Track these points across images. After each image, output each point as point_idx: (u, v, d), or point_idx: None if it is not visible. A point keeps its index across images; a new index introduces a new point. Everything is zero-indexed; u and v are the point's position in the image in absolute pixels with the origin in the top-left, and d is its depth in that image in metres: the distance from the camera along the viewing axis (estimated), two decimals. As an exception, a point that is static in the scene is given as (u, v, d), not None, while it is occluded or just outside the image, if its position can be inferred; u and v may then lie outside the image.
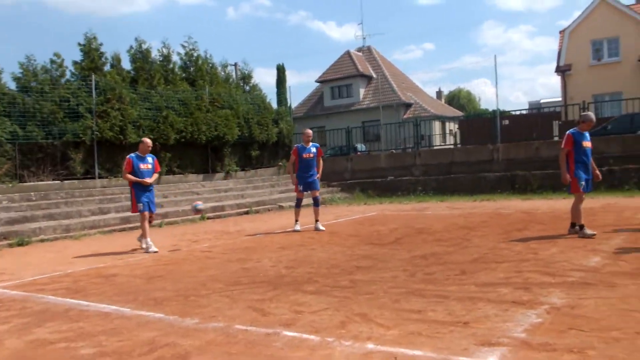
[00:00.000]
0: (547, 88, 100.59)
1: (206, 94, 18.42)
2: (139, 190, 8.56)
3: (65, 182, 13.93)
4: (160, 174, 16.17)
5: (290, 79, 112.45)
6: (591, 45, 27.27)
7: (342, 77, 36.62)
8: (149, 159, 8.80)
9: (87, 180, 14.44)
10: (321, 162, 9.99)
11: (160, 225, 12.44)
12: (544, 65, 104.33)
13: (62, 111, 14.21)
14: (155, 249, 8.43)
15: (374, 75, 36.72)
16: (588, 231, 7.24)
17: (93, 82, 14.86)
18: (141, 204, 8.52)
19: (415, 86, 40.78)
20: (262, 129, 20.06)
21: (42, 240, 10.47)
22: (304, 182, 9.80)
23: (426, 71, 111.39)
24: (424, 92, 40.96)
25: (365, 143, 27.49)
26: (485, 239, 7.70)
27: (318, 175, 10.01)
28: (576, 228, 7.43)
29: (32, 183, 13.37)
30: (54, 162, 14.09)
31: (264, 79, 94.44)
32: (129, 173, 8.53)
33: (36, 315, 4.70)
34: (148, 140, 8.77)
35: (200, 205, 9.28)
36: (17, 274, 6.96)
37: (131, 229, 11.92)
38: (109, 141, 14.79)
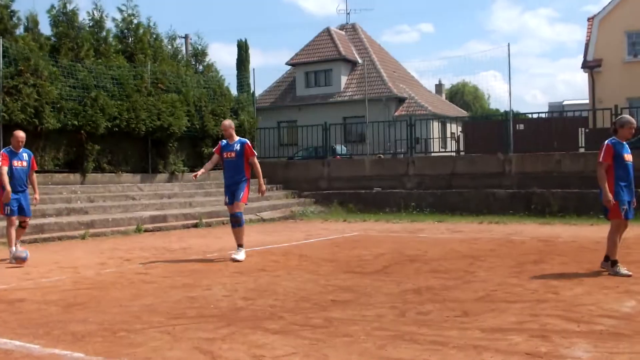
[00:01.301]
0: (571, 87, 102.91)
1: (147, 73, 18.27)
2: (13, 191, 9.10)
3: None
4: (85, 170, 15.92)
5: (255, 59, 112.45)
6: (626, 38, 27.97)
7: (319, 61, 36.77)
8: (24, 155, 9.49)
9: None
10: (257, 165, 9.30)
11: (83, 237, 12.23)
12: (568, 58, 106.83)
13: None
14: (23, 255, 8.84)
15: (359, 60, 36.93)
16: (622, 269, 7.32)
17: (0, 49, 14.56)
18: (9, 207, 9.10)
19: (410, 77, 41.16)
20: (217, 121, 19.95)
21: None
22: (228, 191, 9.30)
23: (423, 59, 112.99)
24: (420, 85, 41.36)
25: (347, 144, 27.57)
26: (493, 272, 7.73)
27: (262, 188, 9.69)
28: (608, 263, 7.50)
29: None
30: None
31: (222, 58, 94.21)
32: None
33: None
34: (21, 133, 9.43)
35: (22, 255, 8.83)
36: None
37: (46, 239, 11.66)
38: (20, 126, 14.41)
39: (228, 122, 9.34)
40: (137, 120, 17.08)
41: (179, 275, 7.81)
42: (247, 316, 5.46)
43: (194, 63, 22.30)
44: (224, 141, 9.35)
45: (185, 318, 5.42)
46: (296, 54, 38.05)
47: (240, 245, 9.13)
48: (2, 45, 14.60)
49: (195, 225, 14.87)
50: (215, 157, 9.47)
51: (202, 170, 9.39)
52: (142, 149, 18.01)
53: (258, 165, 9.39)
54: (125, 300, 6.21)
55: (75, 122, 15.62)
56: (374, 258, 9.19)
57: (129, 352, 4.39)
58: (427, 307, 5.70)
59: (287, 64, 38.82)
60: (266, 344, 4.56)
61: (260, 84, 64.81)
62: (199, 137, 19.60)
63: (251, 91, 24.36)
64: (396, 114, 33.85)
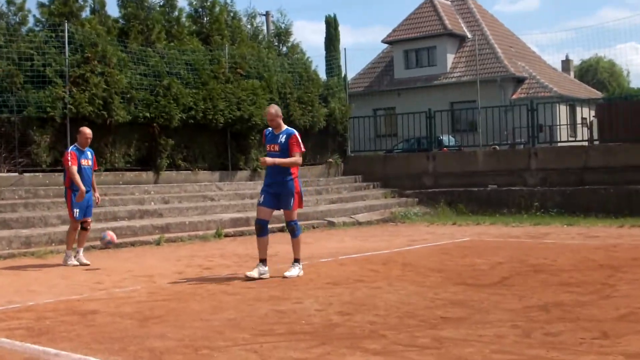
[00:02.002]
0: None
1: (225, 57, 18.70)
2: (77, 191, 9.86)
3: (26, 175, 14.41)
4: (159, 168, 16.50)
5: (345, 38, 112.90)
6: None
7: (421, 37, 36.47)
8: (89, 153, 10.31)
9: (56, 174, 14.83)
10: (296, 160, 8.74)
11: (158, 243, 12.67)
12: None
13: (22, 74, 14.70)
14: (76, 263, 9.98)
15: (469, 35, 36.40)
16: None
17: (66, 34, 15.30)
18: (77, 209, 9.97)
19: (530, 52, 40.19)
20: (304, 109, 20.19)
21: (-8, 257, 10.81)
22: (268, 191, 8.78)
23: (545, 31, 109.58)
24: (542, 62, 40.33)
25: (455, 134, 27.23)
26: (638, 285, 7.48)
27: (275, 161, 8.65)
28: None
29: (-21, 175, 13.87)
30: (10, 146, 14.59)
31: (308, 38, 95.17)
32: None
33: (-15, 364, 4.84)
34: (88, 130, 10.27)
35: (108, 237, 9.93)
36: (-41, 304, 7.19)
37: (118, 245, 12.16)
38: (87, 119, 15.16)
39: (274, 110, 8.84)
40: (214, 111, 17.51)
41: (264, 286, 7.94)
42: (344, 334, 5.48)
43: (276, 44, 22.64)
44: (269, 130, 9.01)
45: (273, 335, 5.50)
46: (393, 30, 37.90)
47: (296, 260, 8.74)
48: (68, 30, 15.35)
49: (282, 229, 15.01)
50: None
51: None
52: (221, 143, 18.45)
53: (296, 161, 8.71)
54: (206, 314, 6.38)
55: (147, 114, 16.21)
56: (490, 268, 9.05)
57: (212, 373, 4.52)
58: (557, 327, 5.55)
59: (383, 42, 38.74)
60: (366, 366, 4.58)
61: (352, 67, 65.22)
62: (284, 128, 19.82)
63: (342, 75, 24.45)
64: (514, 97, 33.09)
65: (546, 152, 19.26)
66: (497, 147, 22.14)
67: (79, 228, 10.22)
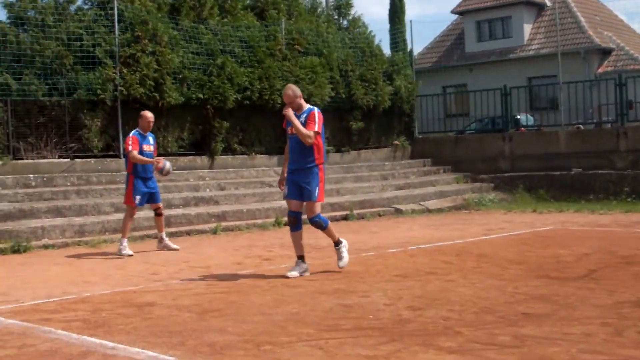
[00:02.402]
0: None
1: (282, 32, 18.78)
2: (140, 177, 10.41)
3: (77, 160, 14.85)
4: (214, 152, 16.74)
5: (411, 10, 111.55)
6: None
7: (495, 6, 35.84)
8: (150, 138, 10.73)
9: (108, 160, 15.25)
10: (313, 138, 8.14)
11: (214, 232, 12.91)
12: None
13: (71, 55, 15.07)
14: (131, 252, 10.30)
15: (548, 3, 35.62)
16: None
17: (115, 12, 15.64)
18: (139, 196, 10.39)
19: (618, 21, 39.13)
20: (367, 88, 20.17)
21: (45, 247, 11.22)
22: (291, 180, 8.31)
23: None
24: (632, 31, 39.25)
25: (534, 112, 26.77)
26: None
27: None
28: None
29: (30, 161, 14.37)
30: (61, 130, 15.03)
31: (371, 10, 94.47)
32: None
33: (42, 358, 5.01)
34: (150, 114, 10.68)
35: (167, 165, 10.38)
36: (12, 295, 7.48)
37: (173, 234, 12.41)
38: (139, 101, 15.48)
39: (291, 91, 8.25)
40: (271, 91, 17.62)
41: (328, 278, 8.02)
42: (415, 330, 5.49)
43: (336, 17, 22.60)
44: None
45: (339, 331, 5.55)
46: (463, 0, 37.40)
47: (337, 243, 8.40)
48: (117, 7, 15.67)
49: (345, 218, 15.15)
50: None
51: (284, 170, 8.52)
52: (278, 125, 18.37)
53: (307, 133, 8.06)
54: (267, 307, 6.48)
55: (200, 95, 16.43)
56: (575, 260, 8.94)
57: (277, 370, 4.60)
58: (652, 325, 5.47)
59: (452, 12, 38.27)
60: (441, 365, 4.59)
61: (419, 40, 64.38)
62: (346, 108, 19.88)
63: (408, 49, 24.26)
64: (600, 70, 32.31)
65: (637, 131, 18.82)
66: (581, 126, 21.77)
67: (154, 215, 10.87)
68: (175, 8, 17.56)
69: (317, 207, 8.25)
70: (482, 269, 8.37)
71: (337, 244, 8.39)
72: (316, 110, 8.28)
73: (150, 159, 10.37)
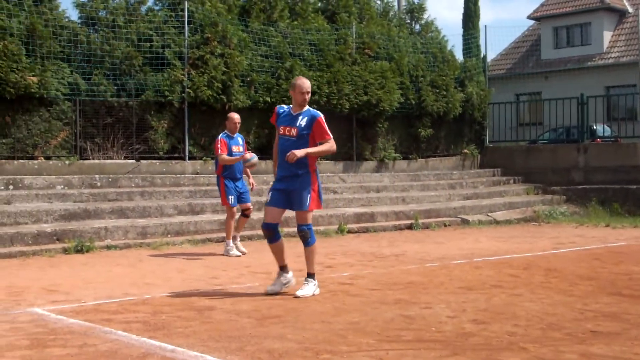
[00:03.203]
0: None
1: (352, 36, 18.81)
2: (230, 178, 10.77)
3: (143, 162, 15.13)
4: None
5: (485, 14, 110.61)
6: None
7: (574, 12, 35.18)
8: (239, 139, 10.99)
9: (173, 162, 15.49)
10: (329, 147, 7.73)
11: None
12: None
13: (140, 55, 15.36)
14: (238, 253, 10.78)
15: (630, 10, 34.76)
16: None
17: (186, 13, 15.90)
18: (232, 196, 10.74)
19: None
20: (438, 94, 20.05)
21: (108, 247, 11.44)
22: (278, 187, 7.71)
23: None
24: None
25: (611, 123, 26.19)
26: None
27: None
28: None
29: (96, 161, 14.72)
30: (128, 131, 15.34)
31: (444, 14, 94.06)
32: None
33: (102, 358, 5.11)
34: (236, 115, 10.96)
35: (254, 158, 10.42)
36: (74, 294, 7.65)
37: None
38: (206, 104, 15.70)
39: (309, 84, 7.69)
40: (339, 95, 17.67)
41: (390, 288, 7.97)
42: (478, 344, 5.44)
43: (408, 21, 22.55)
44: (284, 108, 7.81)
45: (400, 342, 5.52)
46: (541, 5, 36.81)
47: (310, 275, 7.63)
48: (187, 9, 15.92)
49: (410, 227, 15.05)
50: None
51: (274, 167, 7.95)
52: (345, 130, 18.57)
53: (332, 147, 7.70)
54: (327, 316, 6.48)
55: (267, 99, 16.58)
56: (650, 277, 8.72)
57: (334, 380, 4.58)
58: None
59: (529, 17, 37.70)
60: (504, 382, 4.51)
61: (492, 46, 63.54)
62: (415, 115, 19.81)
63: (481, 55, 24.03)
64: (682, 81, 31.43)
65: None
66: (660, 138, 21.22)
67: (240, 215, 11.10)
68: (246, 10, 17.74)
69: (309, 217, 7.61)
70: (550, 284, 8.23)
71: (310, 276, 7.59)
72: (321, 115, 7.60)
73: (237, 158, 10.64)
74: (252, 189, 11.33)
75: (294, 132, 7.47)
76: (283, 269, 7.68)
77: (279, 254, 7.66)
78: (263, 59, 16.97)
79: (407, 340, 5.56)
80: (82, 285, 8.25)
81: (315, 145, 7.52)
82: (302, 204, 7.47)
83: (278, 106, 7.86)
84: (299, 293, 7.40)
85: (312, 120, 7.48)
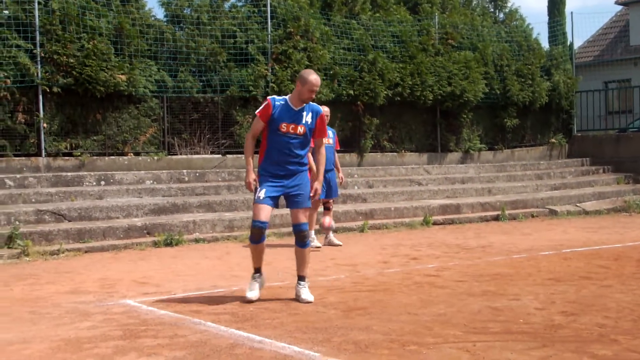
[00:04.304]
0: None
1: (435, 26, 18.69)
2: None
3: (229, 156, 15.42)
4: (363, 149, 16.93)
5: (571, 1, 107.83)
6: None
7: (666, -5, 34.05)
8: (330, 132, 10.72)
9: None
10: (323, 153, 7.37)
11: (361, 230, 13.03)
12: None
13: (225, 52, 15.62)
14: (319, 244, 10.85)
15: None
16: None
17: (268, 8, 16.08)
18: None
19: None
20: (523, 84, 19.75)
21: (196, 240, 11.70)
22: (272, 183, 7.00)
23: None
24: None
25: None
26: None
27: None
28: None
29: (184, 156, 15.05)
30: (213, 127, 15.65)
31: (528, 3, 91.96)
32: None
33: (192, 348, 5.26)
34: (325, 109, 10.48)
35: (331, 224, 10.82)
36: (164, 286, 7.88)
37: (319, 232, 12.65)
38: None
39: (320, 81, 7.09)
40: (422, 87, 17.59)
41: (477, 280, 7.95)
42: (568, 336, 5.39)
43: (492, 10, 22.28)
44: (280, 101, 7.00)
45: (487, 334, 5.51)
46: (630, -11, 35.81)
47: (301, 278, 7.12)
48: (270, 4, 16.12)
49: (496, 218, 14.91)
50: (259, 126, 7.09)
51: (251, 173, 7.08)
52: (429, 122, 18.50)
53: (324, 154, 7.38)
54: (414, 307, 6.51)
55: (351, 92, 16.62)
56: None
57: (422, 370, 4.62)
58: None
59: (616, 3, 36.65)
60: (595, 374, 4.48)
61: (579, 33, 62.22)
62: (500, 105, 19.57)
63: (568, 43, 23.52)
64: None
65: None
66: None
67: (322, 209, 11.14)
68: (328, 4, 17.82)
69: (307, 215, 7.31)
70: (643, 275, 8.06)
71: (302, 278, 7.11)
72: (322, 109, 7.20)
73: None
74: (341, 183, 11.37)
75: (301, 130, 6.92)
76: (258, 270, 7.21)
77: (259, 256, 7.17)
78: (345, 52, 17.03)
79: (494, 332, 5.54)
80: (172, 277, 8.48)
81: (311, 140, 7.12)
82: (304, 201, 7.05)
83: (271, 97, 7.04)
84: (309, 299, 6.89)
85: (316, 115, 7.02)
